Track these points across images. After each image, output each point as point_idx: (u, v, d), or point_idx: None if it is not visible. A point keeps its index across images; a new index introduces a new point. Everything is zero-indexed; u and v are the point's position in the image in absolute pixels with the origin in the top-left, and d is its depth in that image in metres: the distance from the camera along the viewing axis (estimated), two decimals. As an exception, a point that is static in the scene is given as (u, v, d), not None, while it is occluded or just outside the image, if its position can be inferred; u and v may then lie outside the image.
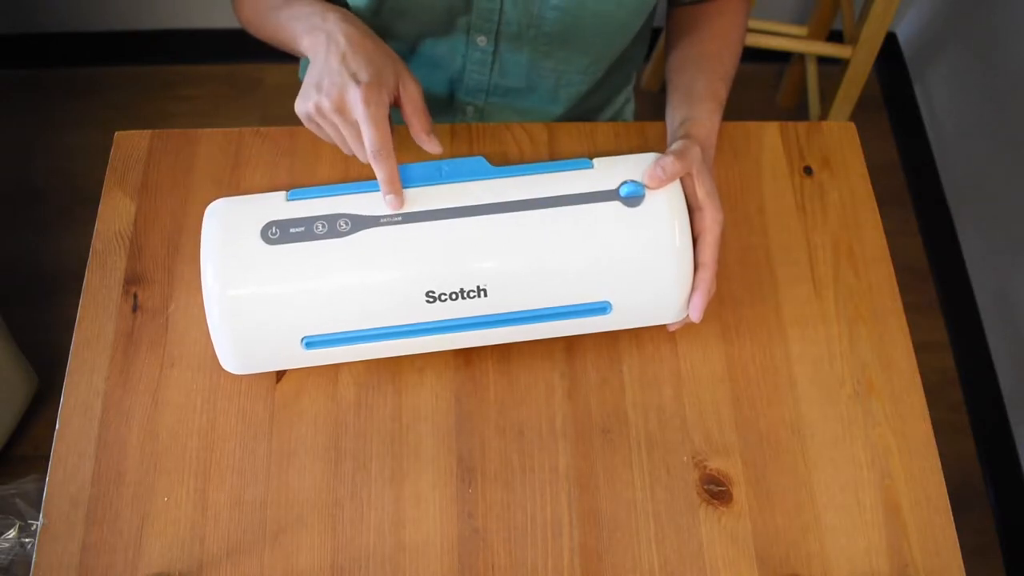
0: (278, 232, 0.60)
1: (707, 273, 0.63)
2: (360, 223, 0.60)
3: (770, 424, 0.66)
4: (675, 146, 0.64)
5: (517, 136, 0.76)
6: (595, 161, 0.63)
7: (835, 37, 1.55)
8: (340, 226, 0.60)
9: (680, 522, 0.62)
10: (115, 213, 0.72)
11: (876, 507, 0.63)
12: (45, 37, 1.73)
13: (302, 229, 0.60)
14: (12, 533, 1.18)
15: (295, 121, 0.66)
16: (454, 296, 0.60)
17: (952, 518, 0.63)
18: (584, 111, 0.91)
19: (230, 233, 0.60)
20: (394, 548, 0.61)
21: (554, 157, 0.75)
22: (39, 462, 1.31)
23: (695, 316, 0.63)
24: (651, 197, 0.61)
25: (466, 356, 0.67)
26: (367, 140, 0.60)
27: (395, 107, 0.64)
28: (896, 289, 0.71)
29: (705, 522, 0.63)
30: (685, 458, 0.65)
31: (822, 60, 1.64)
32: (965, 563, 0.62)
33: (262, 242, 0.59)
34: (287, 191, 0.62)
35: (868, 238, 0.73)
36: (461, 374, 0.67)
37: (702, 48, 0.75)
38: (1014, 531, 1.39)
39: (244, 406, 0.65)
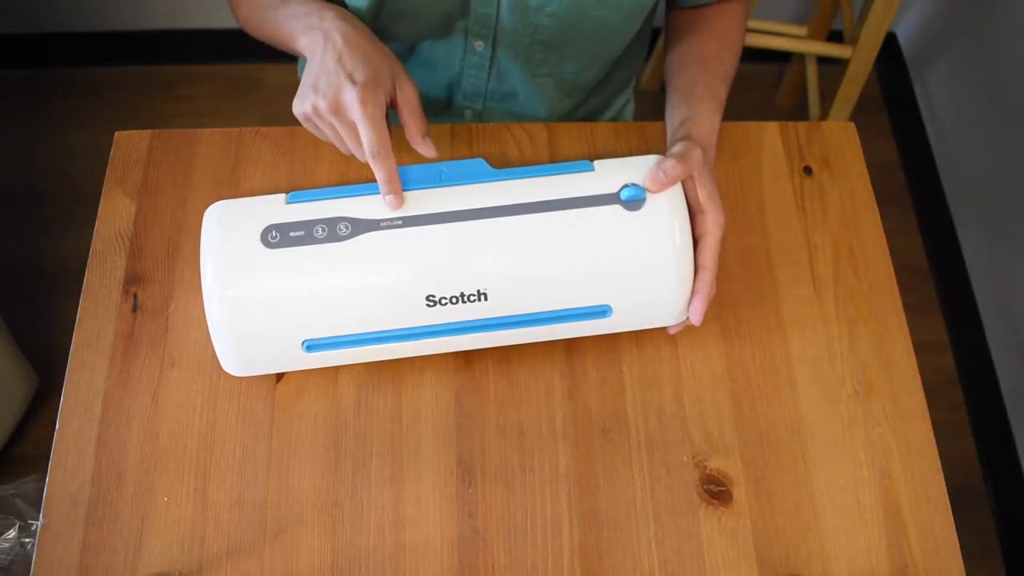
0: (278, 236, 0.59)
1: (707, 276, 0.62)
2: (360, 227, 0.60)
3: (770, 424, 0.66)
4: (676, 148, 0.64)
5: (517, 136, 0.76)
6: (596, 163, 0.63)
7: (835, 37, 1.55)
8: (340, 230, 0.60)
9: (680, 522, 0.62)
10: (115, 213, 0.72)
11: (876, 507, 0.63)
12: (45, 37, 1.73)
13: (302, 233, 0.60)
14: (12, 533, 1.18)
15: (295, 121, 0.66)
16: (454, 300, 0.60)
17: (952, 518, 0.63)
18: (584, 113, 0.91)
19: (230, 237, 0.60)
20: (394, 548, 0.61)
21: (554, 157, 0.75)
22: (39, 462, 1.31)
23: (695, 319, 0.63)
24: (652, 201, 0.61)
25: (466, 357, 0.67)
26: (365, 141, 0.60)
27: (392, 108, 0.64)
28: (896, 289, 0.71)
29: (705, 522, 0.63)
30: (685, 458, 0.65)
31: (822, 60, 1.64)
32: (965, 563, 0.62)
33: (262, 246, 0.59)
34: (287, 194, 0.62)
35: (868, 238, 0.73)
36: (461, 374, 0.67)
37: (701, 48, 0.75)
38: (1014, 531, 1.39)
39: (244, 406, 0.65)
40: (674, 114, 0.71)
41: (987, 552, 1.39)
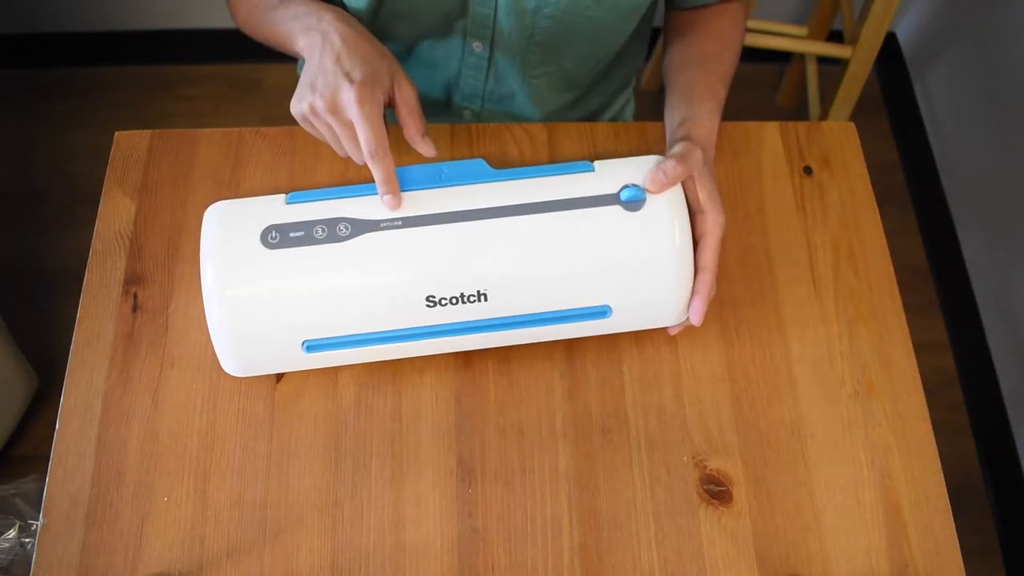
0: (278, 236, 0.59)
1: (707, 277, 0.62)
2: (360, 227, 0.60)
3: (770, 424, 0.66)
4: (676, 149, 0.64)
5: (517, 136, 0.76)
6: (596, 164, 0.63)
7: (835, 37, 1.55)
8: (340, 230, 0.60)
9: (680, 522, 0.62)
10: (115, 213, 0.72)
11: (876, 507, 0.63)
12: (45, 37, 1.73)
13: (302, 233, 0.59)
14: (12, 533, 1.18)
15: (295, 121, 0.66)
16: (454, 300, 0.60)
17: (952, 518, 0.63)
18: (584, 113, 0.91)
19: (230, 238, 0.60)
20: (394, 548, 0.61)
21: (554, 157, 0.75)
22: (39, 462, 1.31)
23: (695, 320, 0.63)
24: (652, 202, 0.61)
25: (466, 357, 0.67)
26: (363, 140, 0.60)
27: (389, 108, 0.64)
28: (896, 289, 0.71)
29: (705, 522, 0.63)
30: (685, 458, 0.65)
31: (822, 60, 1.64)
32: (965, 563, 0.62)
33: (262, 246, 0.59)
34: (286, 194, 0.62)
35: (868, 238, 0.73)
36: (461, 374, 0.67)
37: (701, 48, 0.75)
38: (1014, 531, 1.39)
39: (244, 406, 0.65)
40: (673, 114, 0.71)
41: (987, 552, 1.39)
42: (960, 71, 1.61)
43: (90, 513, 0.61)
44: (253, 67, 1.76)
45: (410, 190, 0.61)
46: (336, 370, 0.66)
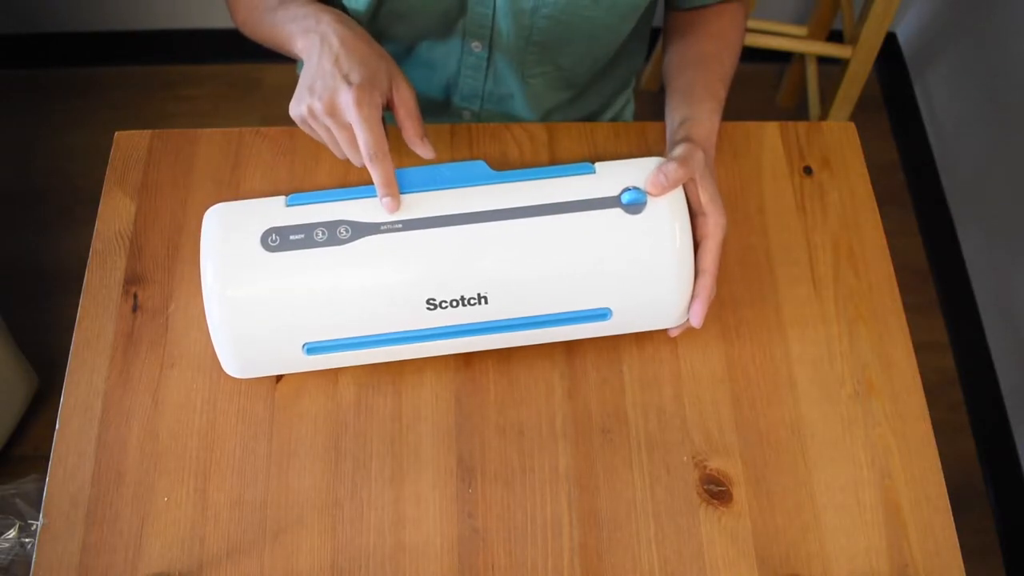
0: (278, 239, 0.59)
1: (708, 280, 0.62)
2: (360, 230, 0.60)
3: (770, 424, 0.66)
4: (677, 151, 0.64)
5: (517, 136, 0.76)
6: (597, 166, 0.63)
7: (835, 37, 1.55)
8: (340, 233, 0.59)
9: (680, 522, 0.62)
10: (115, 213, 0.72)
11: (876, 507, 0.63)
12: (45, 37, 1.74)
13: (302, 236, 0.59)
14: (12, 533, 1.18)
15: (295, 121, 0.66)
16: (455, 303, 0.60)
17: (952, 518, 0.63)
18: (584, 114, 0.91)
19: (230, 240, 0.60)
20: (394, 548, 0.61)
21: (554, 157, 0.75)
22: (39, 462, 1.32)
23: (696, 323, 0.63)
24: (653, 205, 0.61)
25: (466, 357, 0.67)
26: (362, 143, 0.60)
27: (388, 110, 0.64)
28: (896, 289, 0.71)
29: (705, 522, 0.63)
30: (685, 458, 0.65)
31: (822, 60, 1.64)
32: (965, 563, 0.62)
33: (262, 249, 0.59)
34: (286, 196, 0.62)
35: (868, 238, 0.73)
36: (461, 374, 0.67)
37: (701, 48, 0.75)
38: (1014, 531, 1.39)
39: (244, 406, 0.65)
40: (673, 115, 0.71)
41: (987, 552, 1.39)
42: (960, 71, 1.61)
43: (90, 513, 0.61)
44: (253, 67, 1.76)
45: (410, 192, 0.61)
46: (336, 370, 0.66)
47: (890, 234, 0.74)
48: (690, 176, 0.62)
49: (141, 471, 0.63)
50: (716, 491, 0.64)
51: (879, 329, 0.70)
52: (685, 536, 0.62)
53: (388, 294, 0.60)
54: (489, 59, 0.78)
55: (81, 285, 0.69)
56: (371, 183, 0.61)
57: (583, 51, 0.78)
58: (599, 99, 0.91)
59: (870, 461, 0.65)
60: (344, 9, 0.75)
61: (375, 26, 0.76)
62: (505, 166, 0.75)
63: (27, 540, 1.18)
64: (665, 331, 0.68)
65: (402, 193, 0.61)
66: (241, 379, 0.66)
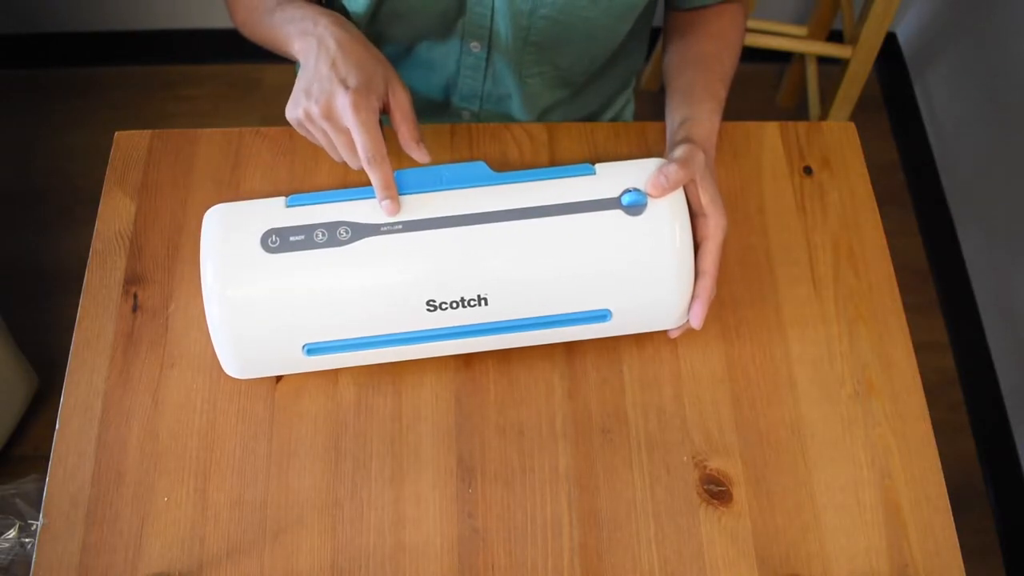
0: (278, 240, 0.59)
1: (708, 281, 0.62)
2: (360, 231, 0.60)
3: (770, 424, 0.66)
4: (678, 152, 0.64)
5: (517, 136, 0.76)
6: (597, 167, 0.63)
7: (835, 37, 1.55)
8: (340, 234, 0.59)
9: (680, 522, 0.62)
10: (115, 213, 0.72)
11: (876, 507, 0.63)
12: (45, 37, 1.73)
13: (302, 237, 0.59)
14: (12, 533, 1.18)
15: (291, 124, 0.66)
16: (455, 305, 0.60)
17: (952, 518, 0.63)
18: (584, 114, 0.91)
19: (229, 241, 0.59)
20: (394, 548, 0.61)
21: (554, 157, 0.75)
22: (39, 462, 1.31)
23: (696, 324, 0.63)
24: (653, 206, 0.61)
25: (466, 357, 0.67)
26: (360, 146, 0.60)
27: (384, 114, 0.64)
28: (896, 289, 0.71)
29: (705, 522, 0.63)
30: (685, 458, 0.65)
31: (822, 60, 1.64)
32: (965, 563, 0.62)
33: (262, 250, 0.59)
34: (286, 197, 0.62)
35: (868, 238, 0.73)
36: (461, 374, 0.67)
37: (701, 49, 0.75)
38: (1014, 531, 1.39)
39: (244, 406, 0.65)
40: (674, 115, 0.71)
41: (987, 552, 1.39)
42: (960, 71, 1.61)
43: (90, 513, 0.61)
44: (253, 67, 1.76)
45: (410, 193, 0.61)
46: (336, 370, 0.66)
47: (890, 234, 0.74)
48: (691, 177, 0.62)
49: (141, 471, 0.63)
50: (716, 491, 0.64)
51: (879, 329, 0.70)
52: (685, 536, 0.62)
53: (388, 295, 0.60)
54: (488, 59, 0.78)
55: (81, 285, 0.69)
56: (371, 184, 0.61)
57: (581, 51, 0.78)
58: (599, 99, 0.91)
59: (870, 461, 0.65)
60: (344, 10, 0.75)
61: (374, 27, 0.76)
62: (505, 166, 0.75)
63: (27, 540, 1.18)
64: (665, 331, 0.68)
65: (402, 194, 0.61)
66: (241, 379, 0.66)
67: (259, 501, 0.62)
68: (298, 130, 0.64)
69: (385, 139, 0.61)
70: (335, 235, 0.59)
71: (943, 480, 0.65)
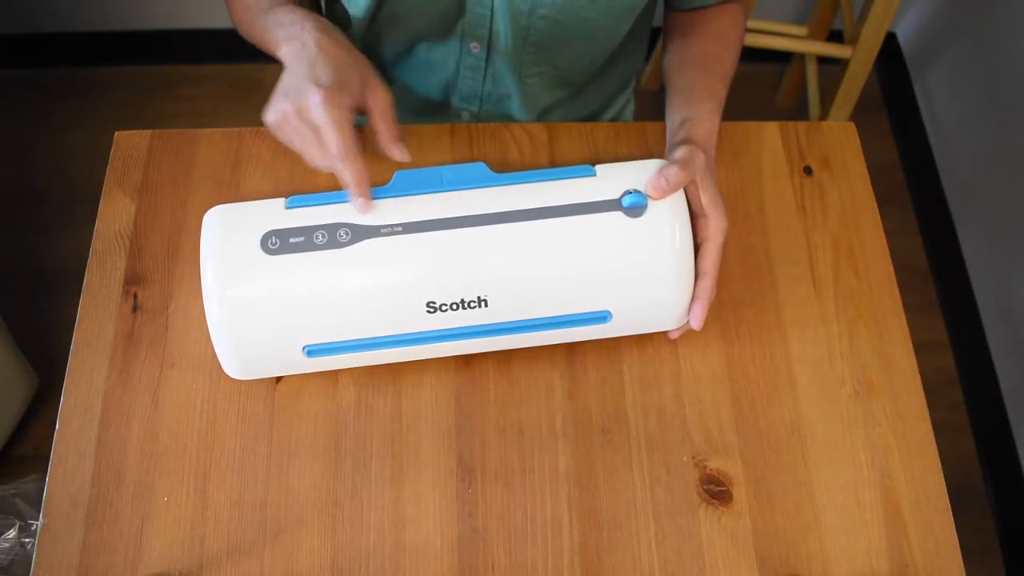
0: (278, 242, 0.59)
1: (708, 282, 0.62)
2: (360, 233, 0.59)
3: (770, 424, 0.66)
4: (678, 154, 0.64)
5: (517, 136, 0.76)
6: (597, 168, 0.63)
7: (835, 37, 1.55)
8: (340, 236, 0.59)
9: (680, 522, 0.62)
10: (115, 213, 0.72)
11: (876, 507, 0.63)
12: (45, 37, 1.74)
13: (302, 239, 0.59)
14: (12, 533, 1.19)
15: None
16: (455, 306, 0.60)
17: (952, 518, 0.63)
18: (584, 114, 0.91)
19: (229, 243, 0.59)
20: (394, 548, 0.61)
21: (554, 158, 0.75)
22: (39, 462, 1.31)
23: (696, 325, 0.63)
24: (653, 208, 0.61)
25: (466, 357, 0.67)
26: (330, 144, 0.59)
27: (364, 115, 0.63)
28: (896, 289, 0.71)
29: (705, 522, 0.63)
30: (685, 458, 0.65)
31: (822, 60, 1.64)
32: (965, 563, 0.62)
33: (262, 252, 0.59)
34: (286, 198, 0.62)
35: (868, 238, 0.73)
36: (461, 374, 0.67)
37: (700, 49, 0.75)
38: (1014, 531, 1.39)
39: (244, 406, 0.65)
40: (673, 115, 0.71)
41: (987, 552, 1.39)
42: (960, 71, 1.61)
43: (90, 513, 0.61)
44: (253, 67, 1.76)
45: (410, 194, 0.61)
46: (336, 371, 0.66)
47: (890, 234, 0.74)
48: (691, 179, 0.62)
49: (141, 471, 0.63)
50: (716, 491, 0.64)
51: (879, 329, 0.70)
52: (685, 536, 0.62)
53: (388, 297, 0.59)
54: (487, 60, 0.78)
55: (81, 285, 0.69)
56: (371, 186, 0.61)
57: (580, 51, 0.78)
58: (599, 99, 0.91)
59: (870, 461, 0.65)
60: (344, 12, 0.75)
61: (374, 27, 0.76)
62: (505, 166, 0.75)
63: (27, 540, 1.18)
64: (665, 332, 0.68)
65: (402, 195, 0.61)
66: (241, 379, 0.66)
67: (259, 501, 0.62)
68: (277, 134, 0.63)
69: (362, 138, 0.60)
70: (335, 237, 0.59)
71: (943, 480, 0.65)
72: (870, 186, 0.76)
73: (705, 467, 0.64)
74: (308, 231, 0.59)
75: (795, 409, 0.66)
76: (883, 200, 0.75)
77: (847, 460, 0.65)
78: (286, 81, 0.62)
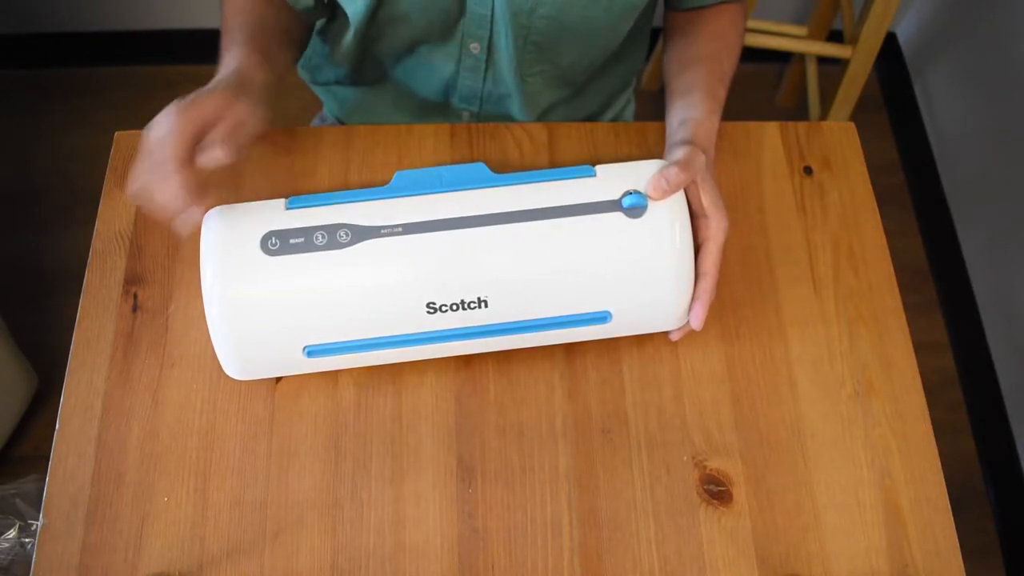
0: (278, 243, 0.59)
1: (708, 282, 0.62)
2: (360, 233, 0.59)
3: (770, 424, 0.66)
4: (679, 154, 0.64)
5: (517, 137, 0.76)
6: (597, 168, 0.63)
7: (835, 37, 1.55)
8: (340, 237, 0.59)
9: (680, 522, 0.62)
10: (115, 213, 0.72)
11: (876, 507, 0.63)
12: (45, 37, 1.73)
13: (302, 240, 0.59)
14: (12, 533, 1.18)
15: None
16: (455, 307, 0.60)
17: (952, 518, 0.63)
18: (584, 114, 0.90)
19: (229, 244, 0.59)
20: (394, 548, 0.61)
21: (554, 158, 0.75)
22: (39, 462, 1.31)
23: (696, 325, 0.63)
24: (653, 208, 0.61)
25: (466, 357, 0.67)
26: (160, 151, 0.57)
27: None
28: (896, 289, 0.71)
29: (705, 522, 0.63)
30: (685, 458, 0.65)
31: (822, 60, 1.64)
32: (965, 563, 0.62)
33: (262, 253, 0.59)
34: (286, 199, 0.62)
35: (868, 238, 0.73)
36: (461, 375, 0.67)
37: (700, 49, 0.75)
38: (1014, 531, 1.39)
39: (244, 406, 0.65)
40: (673, 115, 0.71)
41: (987, 552, 1.39)
42: (960, 71, 1.61)
43: (90, 513, 0.61)
44: (253, 67, 1.76)
45: (410, 195, 0.61)
46: (336, 371, 0.66)
47: (890, 234, 0.74)
48: (691, 179, 0.62)
49: (141, 471, 0.63)
50: (716, 491, 0.64)
51: (879, 329, 0.70)
52: (685, 536, 0.62)
53: (388, 298, 0.59)
54: (487, 60, 0.78)
55: (81, 285, 0.69)
56: (371, 186, 0.61)
57: (581, 51, 0.78)
58: (599, 99, 0.91)
59: (870, 461, 0.65)
60: (343, 13, 0.75)
61: (374, 29, 0.76)
62: (505, 166, 0.75)
63: (27, 540, 1.18)
64: (665, 332, 0.68)
65: (402, 196, 0.61)
66: (241, 379, 0.66)
67: (259, 501, 0.62)
68: (141, 197, 0.59)
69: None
70: (335, 237, 0.59)
71: (943, 480, 0.65)
72: (870, 186, 0.76)
73: (705, 467, 0.64)
74: (308, 232, 0.59)
75: (795, 409, 0.66)
76: (883, 200, 0.75)
77: (847, 460, 0.65)
78: None
